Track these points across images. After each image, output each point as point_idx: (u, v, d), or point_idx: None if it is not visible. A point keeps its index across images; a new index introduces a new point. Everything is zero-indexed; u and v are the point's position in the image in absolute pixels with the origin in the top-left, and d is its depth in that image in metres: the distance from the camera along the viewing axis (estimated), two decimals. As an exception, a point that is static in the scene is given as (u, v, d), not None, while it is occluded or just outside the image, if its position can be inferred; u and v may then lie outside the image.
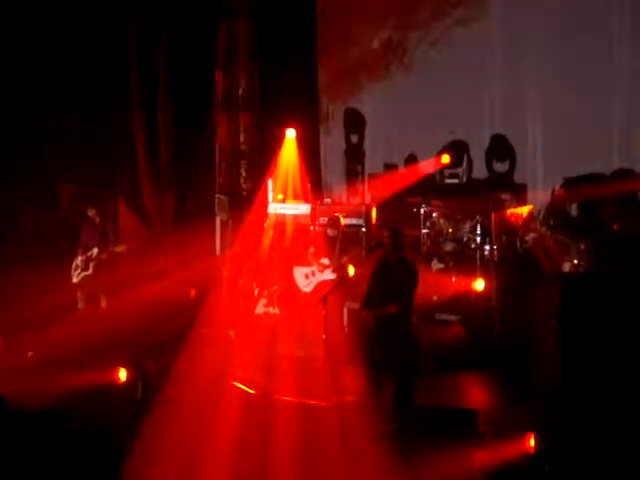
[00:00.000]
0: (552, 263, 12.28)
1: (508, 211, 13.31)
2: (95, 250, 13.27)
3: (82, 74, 14.62)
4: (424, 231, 13.78)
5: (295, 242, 13.36)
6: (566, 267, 12.25)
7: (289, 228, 13.47)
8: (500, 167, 14.50)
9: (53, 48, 14.35)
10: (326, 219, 13.32)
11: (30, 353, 11.73)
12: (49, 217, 14.53)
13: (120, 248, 13.22)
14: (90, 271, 13.31)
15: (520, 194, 13.91)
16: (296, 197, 13.80)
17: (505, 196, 13.78)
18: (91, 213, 13.43)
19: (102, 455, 6.62)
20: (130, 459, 7.92)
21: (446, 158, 14.29)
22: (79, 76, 14.64)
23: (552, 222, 12.96)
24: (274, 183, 13.78)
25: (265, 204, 13.71)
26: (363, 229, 13.44)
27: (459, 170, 14.50)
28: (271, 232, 13.44)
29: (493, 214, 13.20)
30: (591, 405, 9.27)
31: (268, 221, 13.54)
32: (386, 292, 10.24)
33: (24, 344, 11.72)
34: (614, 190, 12.88)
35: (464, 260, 13.38)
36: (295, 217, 13.50)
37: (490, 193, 13.76)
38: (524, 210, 13.25)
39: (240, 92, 14.95)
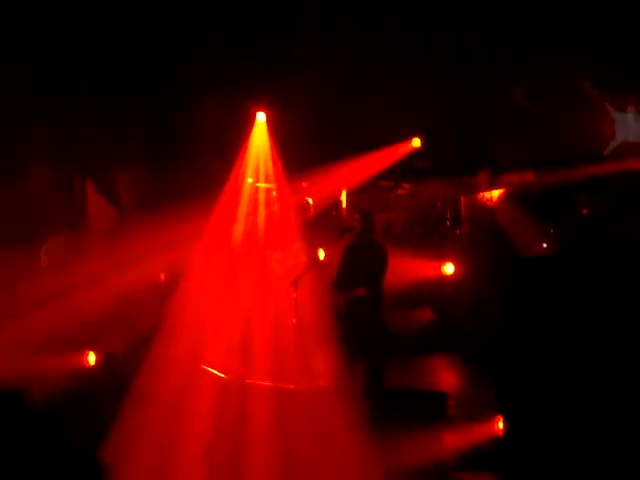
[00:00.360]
0: (521, 247, 12.35)
1: (478, 195, 13.36)
2: (65, 232, 13.19)
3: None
4: (394, 214, 13.80)
5: (267, 227, 13.33)
6: (535, 251, 12.33)
7: (261, 212, 13.44)
8: (470, 150, 14.49)
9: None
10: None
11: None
12: (18, 199, 14.38)
13: (90, 230, 13.15)
14: (59, 253, 13.23)
15: (490, 178, 13.94)
16: (267, 181, 13.76)
17: (475, 179, 13.82)
18: (62, 195, 13.34)
19: (73, 442, 6.60)
20: (102, 445, 7.92)
21: (417, 142, 14.29)
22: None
23: (522, 206, 13.02)
24: (244, 166, 13.73)
25: (237, 188, 13.66)
26: (333, 212, 13.44)
27: (429, 153, 14.49)
28: (244, 216, 13.40)
29: (463, 198, 13.23)
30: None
31: (240, 205, 13.49)
32: (356, 275, 10.28)
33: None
34: (583, 174, 12.93)
35: (434, 244, 13.42)
36: (267, 201, 13.46)
37: (460, 176, 13.78)
38: (494, 194, 13.30)
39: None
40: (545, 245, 12.40)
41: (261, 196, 13.50)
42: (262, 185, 13.62)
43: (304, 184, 14.14)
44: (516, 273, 10.32)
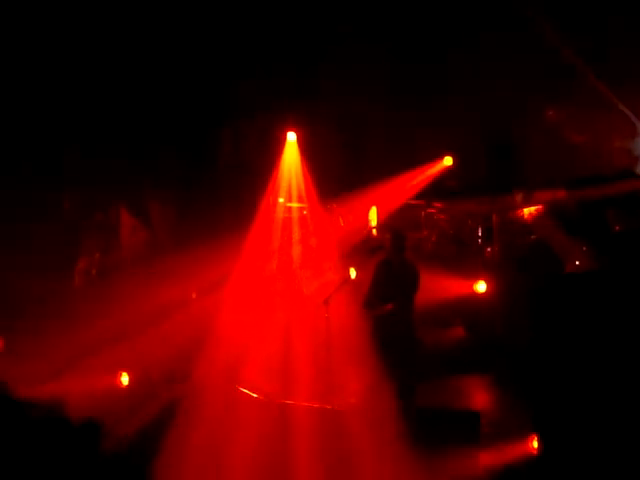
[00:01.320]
0: (554, 264, 12.29)
1: (510, 213, 13.32)
2: (98, 255, 13.28)
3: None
4: (425, 233, 13.78)
5: (299, 246, 13.36)
6: (568, 268, 12.26)
7: (294, 231, 13.47)
8: (502, 168, 14.47)
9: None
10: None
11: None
12: (54, 222, 14.51)
13: (122, 253, 13.24)
14: (93, 275, 13.32)
15: (522, 195, 13.89)
16: (299, 200, 13.80)
17: (507, 198, 13.78)
18: (98, 218, 13.45)
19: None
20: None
21: (449, 160, 14.29)
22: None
23: (554, 223, 12.95)
24: (277, 186, 13.77)
25: (269, 208, 13.70)
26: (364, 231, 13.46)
27: (461, 172, 14.48)
28: (277, 236, 13.43)
29: (495, 216, 13.19)
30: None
31: (274, 225, 13.53)
32: (387, 293, 10.26)
33: (28, 347, 11.72)
34: (615, 191, 12.87)
35: (466, 262, 13.37)
36: (300, 220, 13.50)
37: (492, 195, 13.75)
38: (526, 212, 13.25)
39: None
40: (578, 262, 12.32)
41: (293, 215, 13.53)
42: (294, 205, 13.66)
43: (334, 204, 14.17)
44: (551, 290, 10.25)
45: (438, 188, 14.42)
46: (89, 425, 6.67)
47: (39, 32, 13.54)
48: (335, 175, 15.26)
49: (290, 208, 13.73)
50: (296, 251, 13.33)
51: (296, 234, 13.44)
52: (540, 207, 13.24)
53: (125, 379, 11.35)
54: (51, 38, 13.62)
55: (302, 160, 13.81)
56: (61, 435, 6.46)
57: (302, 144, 13.92)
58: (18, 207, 13.78)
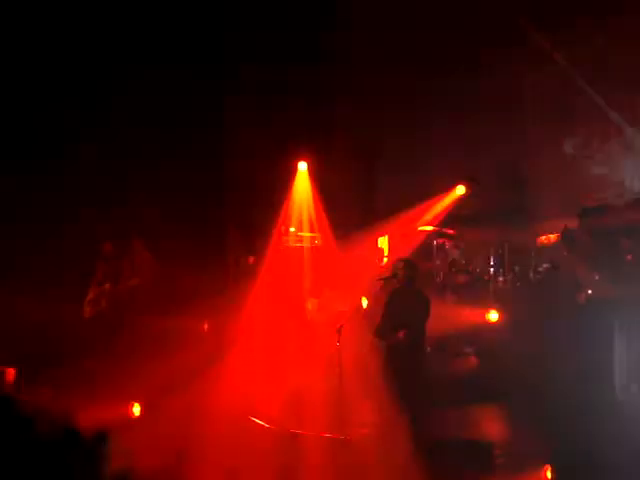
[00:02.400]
0: (567, 293, 12.24)
1: (521, 242, 13.29)
2: (108, 285, 13.26)
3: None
4: (437, 262, 13.76)
5: (310, 275, 13.36)
6: (580, 298, 12.20)
7: (306, 260, 13.47)
8: (513, 197, 14.45)
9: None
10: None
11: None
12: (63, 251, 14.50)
13: (133, 283, 13.21)
14: (103, 305, 13.30)
15: (533, 225, 13.87)
16: (310, 230, 13.81)
17: (518, 227, 13.75)
18: (107, 248, 13.44)
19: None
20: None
21: (461, 189, 14.28)
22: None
23: (566, 253, 12.92)
24: (288, 216, 13.79)
25: (279, 237, 13.72)
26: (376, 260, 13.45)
27: (472, 201, 14.46)
28: (287, 264, 13.44)
29: (506, 245, 13.18)
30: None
31: (283, 254, 13.54)
32: (398, 323, 10.24)
33: (38, 378, 11.70)
34: (628, 220, 12.83)
35: (477, 291, 13.34)
36: (311, 249, 13.50)
37: (503, 224, 13.73)
38: (539, 241, 13.24)
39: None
40: (590, 292, 12.26)
41: (305, 245, 13.54)
42: (306, 234, 13.67)
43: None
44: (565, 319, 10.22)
45: (450, 216, 14.41)
46: (99, 437, 6.67)
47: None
48: (347, 205, 15.28)
49: (302, 237, 13.75)
50: (308, 280, 13.32)
51: (307, 263, 13.45)
52: (553, 236, 13.21)
53: (136, 410, 11.30)
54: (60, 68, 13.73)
55: (313, 190, 13.84)
56: (70, 446, 6.45)
57: (313, 174, 13.95)
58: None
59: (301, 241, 13.71)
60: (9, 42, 13.14)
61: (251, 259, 13.88)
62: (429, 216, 14.20)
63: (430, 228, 13.99)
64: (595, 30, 13.12)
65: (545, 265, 13.11)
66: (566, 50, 13.40)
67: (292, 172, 13.97)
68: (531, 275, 13.22)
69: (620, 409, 10.34)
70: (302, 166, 13.88)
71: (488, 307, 12.97)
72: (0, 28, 12.96)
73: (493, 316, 12.83)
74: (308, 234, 13.78)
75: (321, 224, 13.76)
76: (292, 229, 13.75)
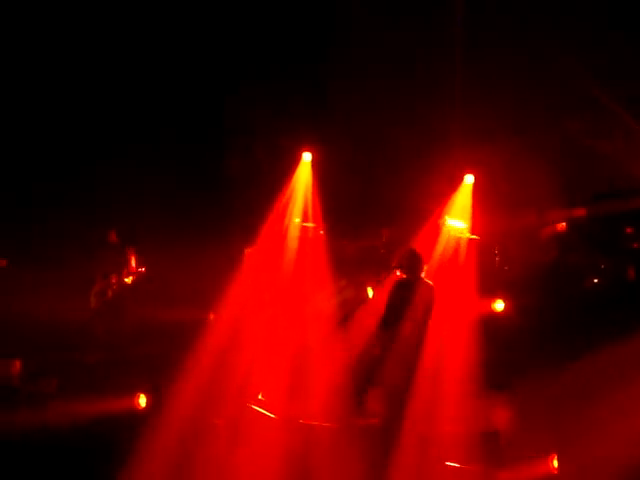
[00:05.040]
0: (573, 282, 12.24)
1: (529, 230, 13.27)
2: (114, 276, 13.27)
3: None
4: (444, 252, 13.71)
5: (314, 265, 13.32)
6: (587, 285, 12.20)
7: (310, 250, 13.44)
8: (520, 187, 14.40)
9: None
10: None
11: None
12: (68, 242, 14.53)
13: (138, 272, 13.22)
14: (109, 296, 13.31)
15: (540, 213, 13.83)
16: (314, 220, 13.77)
17: (525, 216, 13.72)
18: (112, 238, 13.44)
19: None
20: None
21: (469, 178, 14.19)
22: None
23: (573, 241, 12.90)
24: (291, 206, 13.76)
25: (282, 227, 13.68)
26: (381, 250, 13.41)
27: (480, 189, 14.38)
28: (292, 254, 13.40)
29: (514, 233, 13.15)
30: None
31: (288, 244, 13.51)
32: (403, 312, 10.24)
33: (43, 369, 11.73)
34: (634, 209, 12.81)
35: (484, 281, 13.30)
36: (316, 239, 13.47)
37: (509, 213, 13.69)
38: (545, 230, 13.21)
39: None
40: (596, 280, 12.25)
41: (309, 235, 13.51)
42: (310, 225, 13.64)
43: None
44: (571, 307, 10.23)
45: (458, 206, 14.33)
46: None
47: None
48: (351, 196, 15.27)
49: (306, 228, 13.71)
50: (312, 270, 13.30)
51: (312, 253, 13.42)
52: (559, 224, 13.18)
53: (143, 401, 11.31)
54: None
55: (317, 181, 13.80)
56: None
57: (316, 165, 13.90)
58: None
59: (306, 232, 13.67)
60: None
61: (255, 249, 13.84)
62: (435, 205, 14.13)
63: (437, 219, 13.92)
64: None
65: (552, 254, 13.10)
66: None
67: (296, 162, 13.92)
68: (538, 264, 13.18)
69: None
70: (306, 157, 13.82)
71: (494, 296, 12.94)
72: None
73: (499, 305, 12.81)
74: (312, 225, 13.75)
75: (325, 215, 13.72)
76: (296, 220, 13.71)
